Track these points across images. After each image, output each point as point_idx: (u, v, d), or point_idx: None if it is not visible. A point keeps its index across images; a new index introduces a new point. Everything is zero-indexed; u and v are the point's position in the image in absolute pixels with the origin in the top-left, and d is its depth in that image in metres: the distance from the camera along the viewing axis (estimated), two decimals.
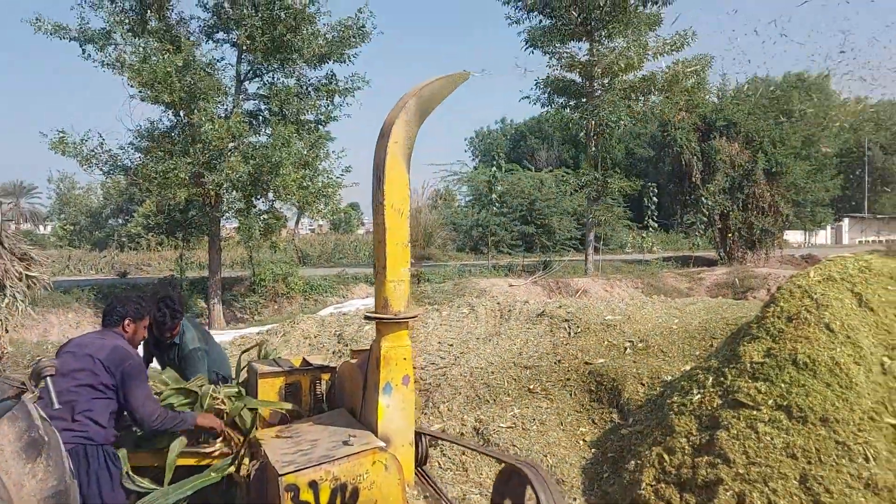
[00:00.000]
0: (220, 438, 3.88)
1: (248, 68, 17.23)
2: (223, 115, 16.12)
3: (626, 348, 7.09)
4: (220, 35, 17.21)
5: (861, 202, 57.71)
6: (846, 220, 56.50)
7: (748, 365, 4.78)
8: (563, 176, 31.39)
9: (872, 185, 58.81)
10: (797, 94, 45.92)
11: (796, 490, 4.04)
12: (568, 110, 24.21)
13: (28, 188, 66.76)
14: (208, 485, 3.65)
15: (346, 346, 9.18)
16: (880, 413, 4.29)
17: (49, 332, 15.36)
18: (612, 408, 6.20)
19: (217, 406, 3.83)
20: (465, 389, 6.86)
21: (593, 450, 5.77)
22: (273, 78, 17.33)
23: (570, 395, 6.53)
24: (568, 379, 6.72)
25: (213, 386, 3.90)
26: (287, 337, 10.30)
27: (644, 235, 29.19)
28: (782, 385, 4.50)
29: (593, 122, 22.66)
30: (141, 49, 14.79)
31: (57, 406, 3.06)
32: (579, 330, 7.86)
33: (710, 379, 4.98)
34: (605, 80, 23.10)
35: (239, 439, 3.91)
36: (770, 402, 4.47)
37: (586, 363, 6.87)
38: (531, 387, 6.72)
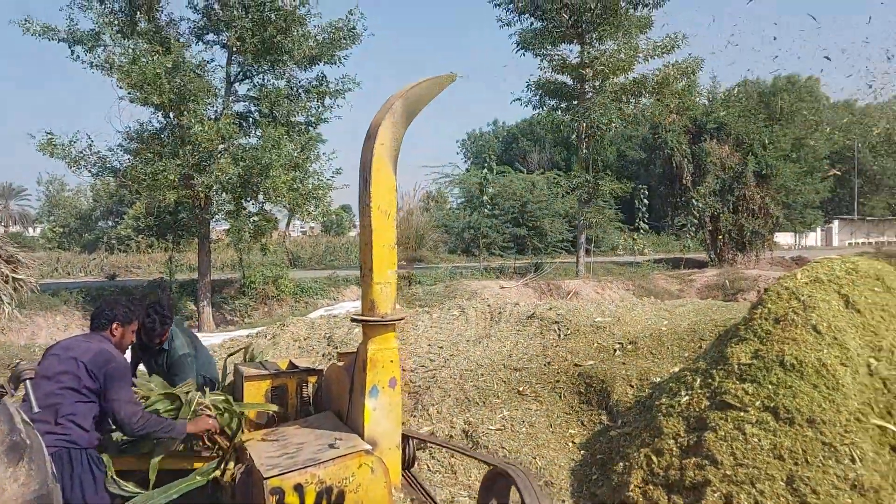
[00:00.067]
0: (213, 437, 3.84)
1: (238, 70, 17.19)
2: (213, 116, 16.06)
3: (615, 350, 7.10)
4: (210, 37, 17.17)
5: (851, 204, 58.07)
6: (836, 222, 56.80)
7: (736, 366, 4.78)
8: (554, 178, 31.40)
9: (861, 187, 59.17)
10: (787, 96, 46.23)
11: (783, 491, 4.04)
12: (559, 112, 24.28)
13: (17, 190, 66.41)
14: (193, 488, 3.62)
15: (336, 348, 9.15)
16: (867, 414, 4.31)
17: (37, 334, 15.26)
18: (601, 409, 6.20)
19: (203, 413, 3.80)
20: (454, 392, 6.85)
21: (582, 452, 5.77)
22: (263, 79, 17.31)
23: (560, 397, 6.52)
24: (557, 381, 6.72)
25: (198, 393, 3.87)
26: (276, 339, 10.27)
27: (635, 237, 29.26)
28: (769, 386, 4.51)
29: (584, 125, 22.73)
30: (130, 50, 14.72)
31: (36, 409, 3.02)
32: (569, 332, 7.86)
33: (698, 380, 4.99)
34: (596, 83, 23.18)
35: (225, 443, 3.89)
36: (757, 403, 4.48)
37: (576, 365, 6.87)
38: (521, 389, 6.71)
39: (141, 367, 5.11)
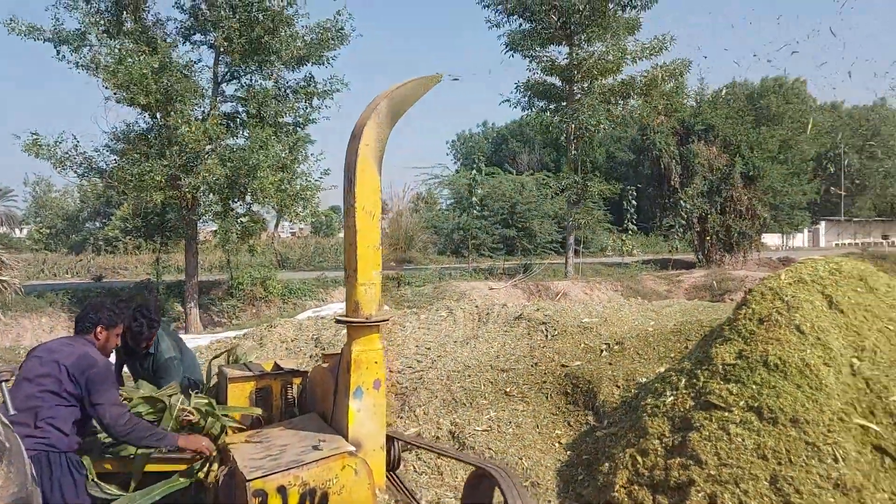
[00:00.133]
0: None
1: (226, 70, 17.11)
2: (200, 117, 15.99)
3: (602, 351, 7.11)
4: (198, 37, 17.09)
5: (838, 205, 58.52)
6: (823, 224, 57.23)
7: (720, 367, 4.80)
8: (543, 179, 31.50)
9: (848, 188, 59.63)
10: (774, 98, 46.56)
11: (767, 491, 4.05)
12: (548, 114, 24.32)
13: (4, 191, 65.71)
14: (175, 490, 3.59)
15: (324, 350, 9.12)
16: (849, 414, 4.33)
17: (22, 336, 15.14)
18: (587, 410, 6.21)
19: (186, 417, 3.77)
20: (441, 393, 6.84)
21: (569, 452, 5.77)
22: (251, 80, 17.25)
23: (547, 397, 6.53)
24: (544, 382, 6.72)
25: (182, 397, 3.84)
26: (264, 341, 10.23)
27: (624, 238, 29.38)
28: (753, 386, 4.53)
29: (573, 126, 22.78)
30: (116, 50, 14.62)
31: (12, 412, 2.99)
32: (556, 333, 7.87)
33: (683, 381, 5.00)
34: (585, 84, 23.24)
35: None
36: (741, 403, 4.49)
37: (563, 366, 6.87)
38: (508, 390, 6.71)
39: (126, 370, 5.08)
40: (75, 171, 15.90)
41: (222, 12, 15.67)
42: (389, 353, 8.22)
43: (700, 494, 4.19)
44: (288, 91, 17.25)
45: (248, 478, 3.25)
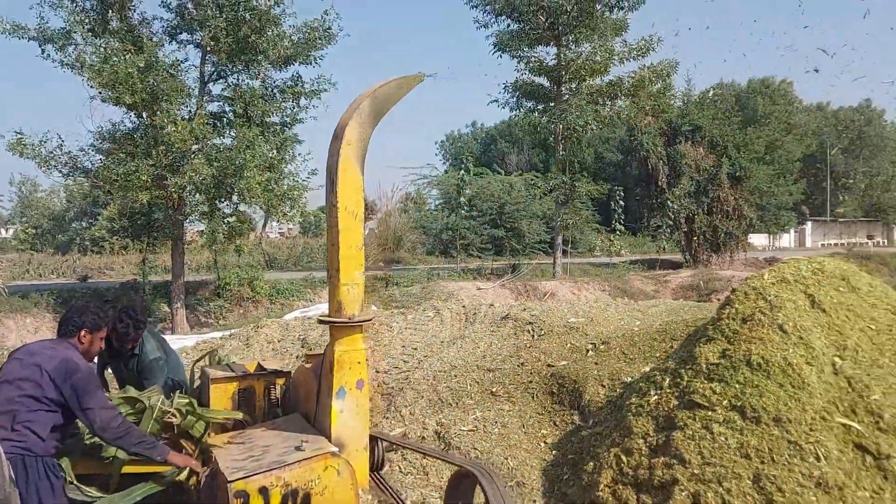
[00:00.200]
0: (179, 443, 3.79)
1: (213, 70, 17.01)
2: (186, 116, 15.89)
3: (588, 350, 7.12)
4: (184, 36, 16.97)
5: (823, 206, 59.01)
6: (809, 224, 57.67)
7: (704, 366, 4.82)
8: (532, 180, 31.53)
9: (834, 189, 60.17)
10: (761, 99, 46.86)
11: (749, 489, 4.08)
12: (536, 114, 24.36)
13: None
14: (156, 492, 3.57)
15: (311, 350, 9.08)
16: (831, 413, 4.36)
17: (6, 337, 14.99)
18: (573, 410, 6.22)
19: (168, 419, 3.74)
20: (427, 393, 6.83)
21: (554, 452, 5.78)
22: (238, 79, 17.14)
23: (533, 397, 6.53)
24: (530, 381, 6.73)
25: (162, 397, 3.81)
26: (250, 342, 10.18)
27: (612, 238, 29.46)
28: (737, 386, 4.55)
29: (561, 127, 22.82)
30: (102, 49, 14.51)
31: None
32: (543, 332, 7.87)
33: (667, 380, 5.02)
34: (573, 85, 23.29)
35: (191, 447, 3.84)
36: (725, 402, 4.52)
37: (549, 365, 6.88)
38: (494, 390, 6.71)
39: (108, 372, 5.04)
40: (60, 171, 15.77)
41: (209, 11, 15.58)
42: (376, 353, 8.21)
43: (684, 493, 4.21)
44: (275, 90, 17.17)
45: (229, 479, 3.23)
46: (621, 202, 29.39)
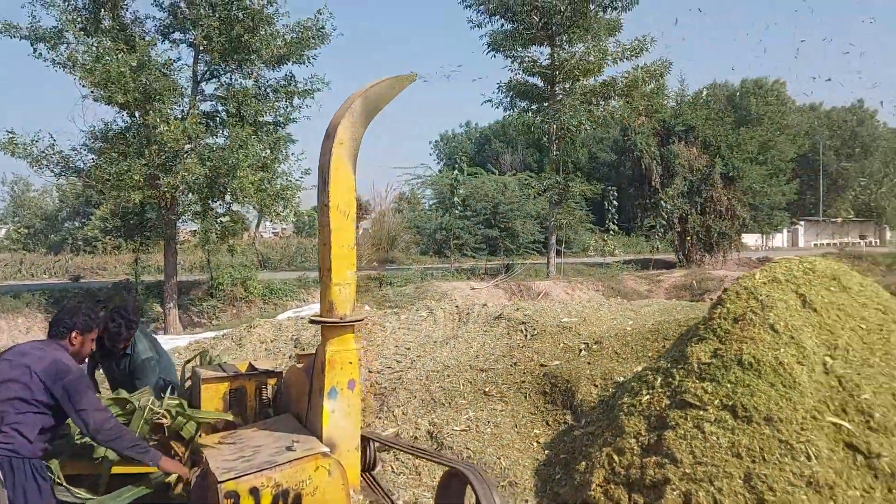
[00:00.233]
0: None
1: (205, 69, 16.98)
2: (179, 116, 15.85)
3: (581, 350, 7.12)
4: (177, 35, 16.95)
5: (816, 206, 59.24)
6: (802, 224, 57.87)
7: (695, 365, 4.83)
8: (526, 180, 31.58)
9: (827, 189, 60.42)
10: (754, 99, 46.99)
11: (741, 489, 4.08)
12: (530, 114, 24.38)
13: None
14: (146, 493, 3.55)
15: (304, 350, 9.06)
16: (822, 412, 4.37)
17: None
18: (565, 409, 6.22)
19: (158, 421, 3.73)
20: (420, 393, 6.82)
21: (546, 451, 5.78)
22: (231, 79, 17.13)
23: (525, 397, 6.53)
24: (523, 381, 6.72)
25: (152, 398, 3.79)
26: (243, 342, 10.15)
27: (605, 238, 29.51)
28: (728, 385, 4.56)
29: (555, 127, 22.85)
30: (94, 48, 14.46)
31: None
32: (536, 332, 7.87)
33: (659, 379, 5.03)
34: (566, 85, 23.32)
35: (181, 449, 3.82)
36: (716, 401, 4.52)
37: (541, 365, 6.88)
38: (486, 389, 6.70)
39: (99, 373, 5.02)
40: (52, 171, 15.74)
41: (202, 10, 15.56)
42: (369, 353, 8.20)
43: (675, 493, 4.22)
44: (268, 90, 17.15)
45: (220, 479, 3.21)
46: (615, 202, 29.45)
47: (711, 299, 17.31)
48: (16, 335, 14.93)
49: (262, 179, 15.55)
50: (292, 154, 17.22)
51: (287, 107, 17.28)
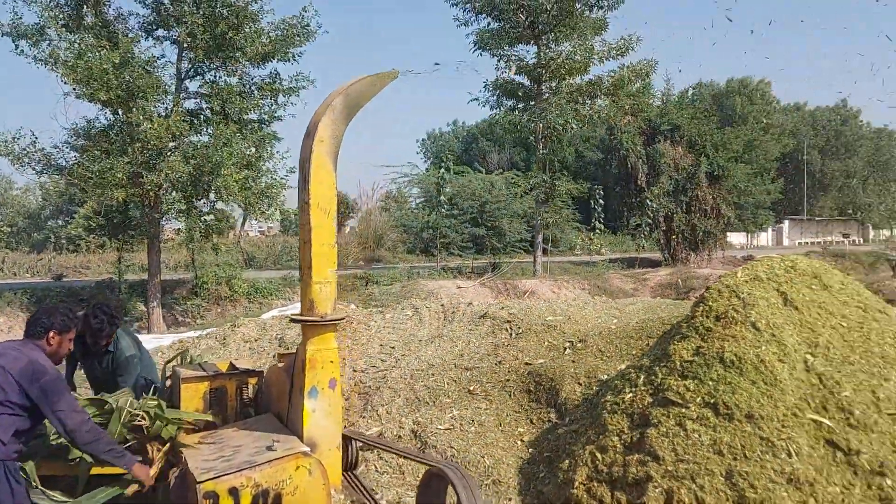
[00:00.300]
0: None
1: (189, 66, 16.82)
2: (163, 113, 15.71)
3: (565, 348, 7.13)
4: (161, 32, 16.79)
5: (801, 204, 59.71)
6: (786, 223, 58.32)
7: (678, 363, 4.84)
8: (512, 178, 31.58)
9: (811, 188, 60.93)
10: (739, 99, 47.32)
11: (722, 486, 4.10)
12: (517, 113, 24.40)
13: None
14: (121, 493, 3.51)
15: (288, 349, 9.02)
16: (803, 409, 4.40)
17: None
18: (549, 408, 6.22)
19: (137, 422, 3.68)
20: (404, 392, 6.80)
21: (530, 450, 5.77)
22: (215, 76, 16.97)
23: (510, 395, 6.52)
24: (508, 380, 6.72)
25: (130, 399, 3.75)
26: (227, 341, 10.08)
27: (592, 237, 29.60)
28: (710, 383, 4.57)
29: (541, 126, 22.88)
30: (76, 45, 14.30)
31: None
32: (520, 331, 7.87)
33: (642, 377, 5.04)
34: (553, 84, 23.36)
35: (159, 448, 3.78)
36: (698, 399, 4.54)
37: (526, 364, 6.88)
38: (471, 388, 6.69)
39: (78, 375, 4.96)
40: (34, 168, 15.55)
41: (185, 7, 15.42)
42: (353, 352, 8.17)
43: (657, 490, 4.23)
44: (253, 88, 17.02)
45: (199, 479, 3.19)
46: (601, 201, 29.54)
47: (696, 298, 17.42)
48: None
49: (246, 178, 15.45)
50: (277, 152, 17.11)
51: (272, 104, 17.17)
